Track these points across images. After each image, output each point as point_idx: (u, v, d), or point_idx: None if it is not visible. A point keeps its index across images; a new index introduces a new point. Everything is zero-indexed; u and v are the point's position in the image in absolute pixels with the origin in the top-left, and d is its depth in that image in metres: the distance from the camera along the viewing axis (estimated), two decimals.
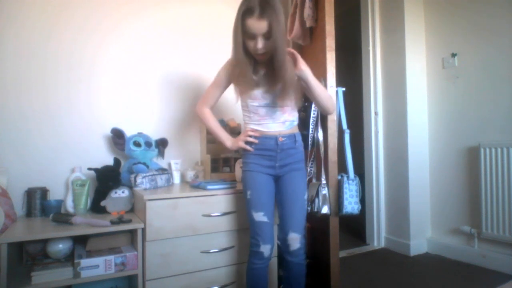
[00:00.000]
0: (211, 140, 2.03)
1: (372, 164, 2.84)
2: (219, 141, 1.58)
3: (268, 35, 1.27)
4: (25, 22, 1.72)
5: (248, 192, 1.43)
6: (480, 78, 2.36)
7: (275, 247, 1.61)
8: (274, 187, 1.47)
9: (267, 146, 1.44)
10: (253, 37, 1.28)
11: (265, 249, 1.38)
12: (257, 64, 1.41)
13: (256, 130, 1.46)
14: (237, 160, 1.92)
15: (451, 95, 2.54)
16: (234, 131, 2.05)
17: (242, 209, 1.58)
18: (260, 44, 1.28)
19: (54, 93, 1.78)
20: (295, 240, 1.39)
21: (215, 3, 2.23)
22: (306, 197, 1.48)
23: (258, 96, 1.42)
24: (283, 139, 1.44)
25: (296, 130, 1.51)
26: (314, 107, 1.79)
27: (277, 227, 1.55)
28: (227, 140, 1.54)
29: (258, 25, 1.24)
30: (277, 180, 1.47)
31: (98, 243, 1.48)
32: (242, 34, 1.29)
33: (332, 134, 1.83)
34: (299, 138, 1.50)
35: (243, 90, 1.42)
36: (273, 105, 1.42)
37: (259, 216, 1.39)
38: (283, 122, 1.45)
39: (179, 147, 2.09)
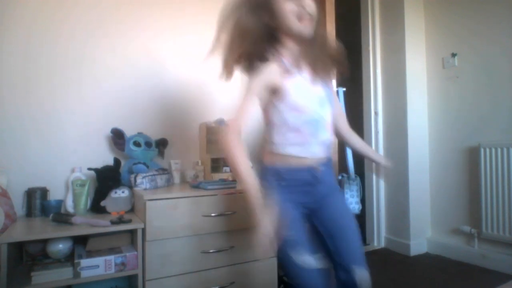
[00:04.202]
0: (211, 140, 2.03)
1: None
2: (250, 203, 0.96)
3: None
4: (21, 22, 1.72)
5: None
6: (480, 78, 2.35)
7: None
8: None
9: (300, 180, 1.07)
10: None
11: None
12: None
13: (287, 157, 1.06)
14: None
15: (451, 95, 2.54)
16: None
17: (242, 209, 1.58)
18: None
19: (54, 93, 1.77)
20: (366, 280, 1.03)
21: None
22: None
23: (308, 103, 1.04)
24: (321, 168, 1.09)
25: (329, 152, 1.17)
26: None
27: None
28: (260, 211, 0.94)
29: None
30: (313, 214, 1.12)
31: (98, 243, 1.48)
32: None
33: (332, 134, 1.83)
34: (330, 159, 1.19)
35: (287, 81, 1.03)
36: (320, 117, 1.08)
37: (311, 261, 0.99)
38: (324, 142, 1.11)
39: (179, 147, 2.09)
